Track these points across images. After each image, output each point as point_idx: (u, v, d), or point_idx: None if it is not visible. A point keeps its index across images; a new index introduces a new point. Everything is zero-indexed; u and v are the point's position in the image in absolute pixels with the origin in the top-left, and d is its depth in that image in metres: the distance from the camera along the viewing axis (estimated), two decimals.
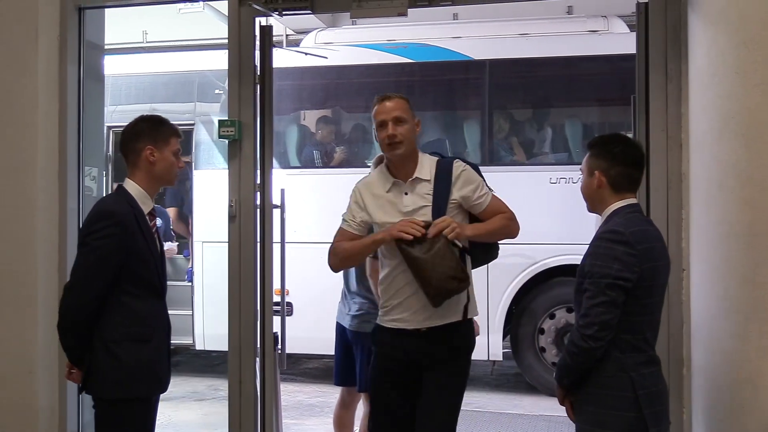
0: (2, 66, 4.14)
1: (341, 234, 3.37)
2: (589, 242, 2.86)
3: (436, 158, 3.34)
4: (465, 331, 3.32)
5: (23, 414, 4.07)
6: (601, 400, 2.76)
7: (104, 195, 4.84)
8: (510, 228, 3.35)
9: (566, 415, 3.00)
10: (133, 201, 3.07)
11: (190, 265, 7.86)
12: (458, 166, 3.30)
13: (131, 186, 3.11)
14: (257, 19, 4.14)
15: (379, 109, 3.29)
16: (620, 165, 2.87)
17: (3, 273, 4.11)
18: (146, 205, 3.12)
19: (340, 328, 4.56)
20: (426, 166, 3.29)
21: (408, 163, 3.29)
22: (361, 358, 4.41)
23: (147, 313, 3.08)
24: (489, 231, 3.31)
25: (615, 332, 2.70)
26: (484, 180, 3.38)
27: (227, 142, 4.12)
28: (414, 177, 3.27)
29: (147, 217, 3.11)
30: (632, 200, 2.90)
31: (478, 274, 7.20)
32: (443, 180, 3.26)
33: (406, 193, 3.28)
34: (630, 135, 4.03)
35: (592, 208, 3.01)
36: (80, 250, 3.03)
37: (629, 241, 2.72)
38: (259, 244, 4.10)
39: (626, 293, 2.70)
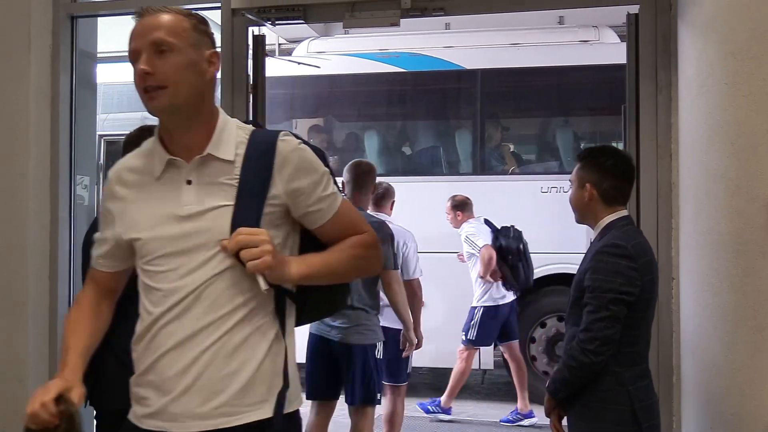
0: None
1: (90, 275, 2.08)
2: (579, 251, 2.85)
3: (250, 128, 1.94)
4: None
5: (13, 423, 4.03)
6: (598, 414, 2.72)
7: (96, 204, 4.83)
8: (369, 263, 2.00)
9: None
10: None
11: None
12: (288, 141, 1.88)
13: None
14: (250, 29, 4.14)
15: (132, 32, 1.94)
16: (612, 178, 2.85)
17: None
18: None
19: (320, 340, 4.37)
20: (229, 138, 1.87)
21: (192, 130, 1.86)
22: (353, 372, 4.32)
23: None
24: (331, 268, 1.91)
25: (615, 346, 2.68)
26: (333, 177, 1.98)
27: None
28: (206, 153, 1.85)
29: None
30: (624, 212, 2.90)
31: (469, 282, 7.16)
32: (259, 161, 1.84)
33: (189, 182, 1.85)
34: (620, 144, 4.05)
35: (581, 220, 3.00)
36: None
37: (631, 254, 2.70)
38: None
39: (628, 307, 2.67)
